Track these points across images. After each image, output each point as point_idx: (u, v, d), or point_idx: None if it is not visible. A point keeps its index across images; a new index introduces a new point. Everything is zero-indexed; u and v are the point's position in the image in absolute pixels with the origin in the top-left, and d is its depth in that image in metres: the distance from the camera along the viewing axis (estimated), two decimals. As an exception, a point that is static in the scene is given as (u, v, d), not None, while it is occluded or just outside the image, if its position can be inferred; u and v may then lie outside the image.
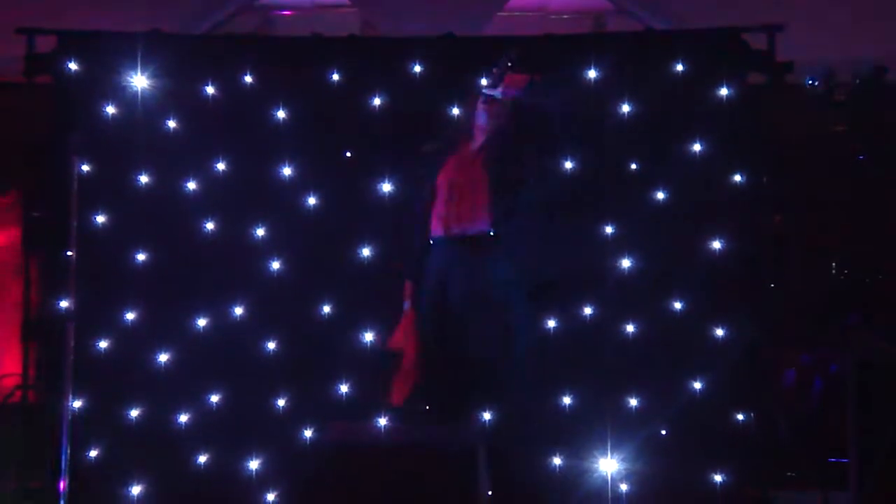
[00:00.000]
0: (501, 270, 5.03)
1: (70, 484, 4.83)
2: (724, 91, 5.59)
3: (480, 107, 5.24)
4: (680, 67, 5.63)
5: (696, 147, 5.59)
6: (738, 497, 5.40)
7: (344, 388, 5.53)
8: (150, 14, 6.22)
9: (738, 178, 5.60)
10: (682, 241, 5.59)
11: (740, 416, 5.51)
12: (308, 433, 5.55)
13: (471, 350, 5.00)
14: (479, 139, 5.23)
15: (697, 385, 5.51)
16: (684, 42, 5.75)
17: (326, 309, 5.63)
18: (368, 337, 5.52)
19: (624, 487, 5.36)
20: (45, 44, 5.81)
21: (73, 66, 5.72)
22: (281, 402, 5.61)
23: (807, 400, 7.05)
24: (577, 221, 5.61)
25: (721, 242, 5.55)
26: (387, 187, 5.54)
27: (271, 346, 5.65)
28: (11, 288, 6.56)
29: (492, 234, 5.03)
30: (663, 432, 5.51)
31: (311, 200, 5.68)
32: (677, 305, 5.57)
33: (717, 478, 5.41)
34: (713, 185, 5.61)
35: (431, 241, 5.16)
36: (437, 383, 5.06)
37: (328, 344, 5.61)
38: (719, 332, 5.54)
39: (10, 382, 6.23)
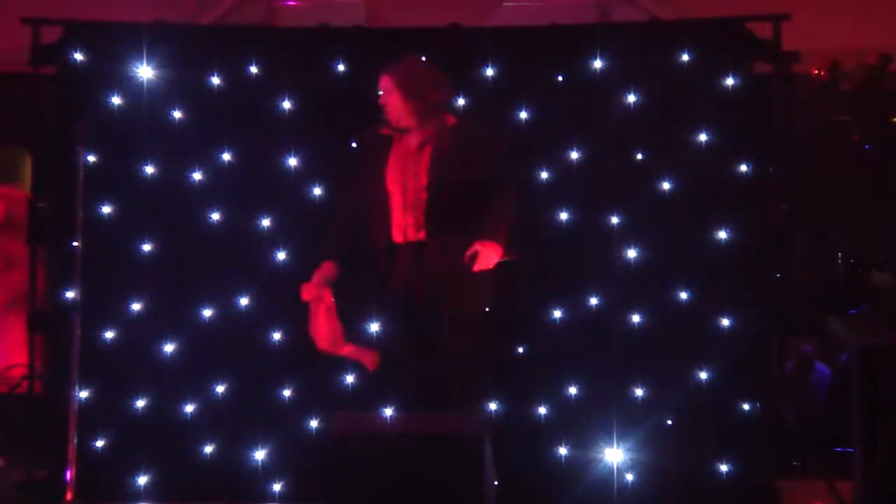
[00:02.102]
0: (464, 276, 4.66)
1: (77, 474, 4.84)
2: (729, 81, 5.58)
3: None
4: (685, 57, 5.62)
5: (702, 137, 5.59)
6: (744, 486, 5.41)
7: (350, 378, 5.55)
8: (156, 4, 6.21)
9: (743, 167, 5.60)
10: (687, 231, 5.60)
11: (746, 406, 5.51)
12: (314, 423, 5.57)
13: (446, 354, 4.74)
14: (414, 137, 4.87)
15: (703, 375, 5.51)
16: (690, 31, 5.73)
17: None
18: (374, 327, 5.52)
19: (630, 477, 5.37)
20: (50, 34, 5.82)
21: (78, 56, 5.73)
22: (287, 392, 5.62)
23: (807, 389, 7.05)
24: (583, 211, 5.62)
25: (727, 232, 5.55)
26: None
27: (277, 336, 5.66)
28: (17, 278, 6.57)
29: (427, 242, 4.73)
30: (669, 422, 5.52)
31: (317, 191, 5.68)
32: (683, 295, 5.57)
33: (723, 467, 5.42)
34: (719, 175, 5.61)
35: (388, 247, 4.83)
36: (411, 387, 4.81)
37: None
38: (725, 322, 5.54)
39: (17, 373, 6.25)
